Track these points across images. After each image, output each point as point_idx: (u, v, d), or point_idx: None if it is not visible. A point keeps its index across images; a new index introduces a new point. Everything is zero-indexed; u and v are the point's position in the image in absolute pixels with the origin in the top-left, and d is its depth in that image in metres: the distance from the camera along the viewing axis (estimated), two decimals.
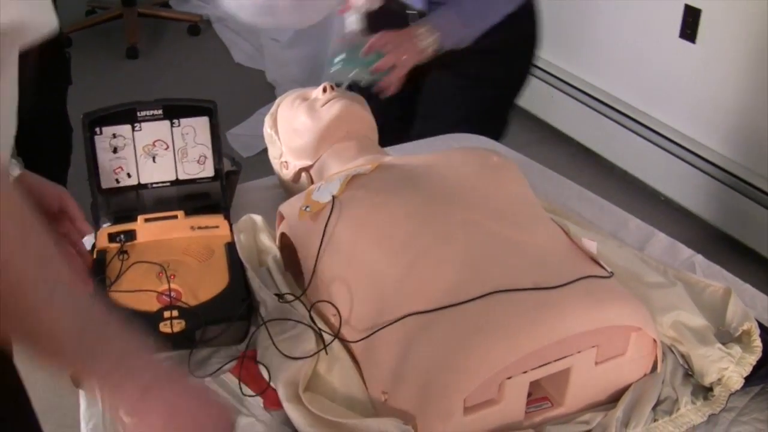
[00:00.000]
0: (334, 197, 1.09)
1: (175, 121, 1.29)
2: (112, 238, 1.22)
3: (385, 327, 0.98)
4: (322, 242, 1.09)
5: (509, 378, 0.93)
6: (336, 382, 1.05)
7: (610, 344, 0.99)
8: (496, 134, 1.78)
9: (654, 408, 1.03)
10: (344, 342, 1.06)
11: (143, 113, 1.28)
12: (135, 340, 0.77)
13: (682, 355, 1.09)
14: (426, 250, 1.01)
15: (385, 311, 1.00)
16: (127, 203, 1.31)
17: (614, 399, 1.03)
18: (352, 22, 1.50)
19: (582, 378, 0.99)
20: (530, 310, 0.93)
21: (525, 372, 0.94)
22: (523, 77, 1.89)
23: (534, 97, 3.38)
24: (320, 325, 1.08)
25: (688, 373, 1.08)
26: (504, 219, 1.06)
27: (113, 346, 0.75)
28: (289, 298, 1.10)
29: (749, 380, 1.05)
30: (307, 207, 1.13)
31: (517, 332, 0.91)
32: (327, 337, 1.06)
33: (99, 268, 1.18)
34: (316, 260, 1.09)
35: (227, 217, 1.28)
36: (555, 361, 0.96)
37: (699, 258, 1.34)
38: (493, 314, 0.93)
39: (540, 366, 0.95)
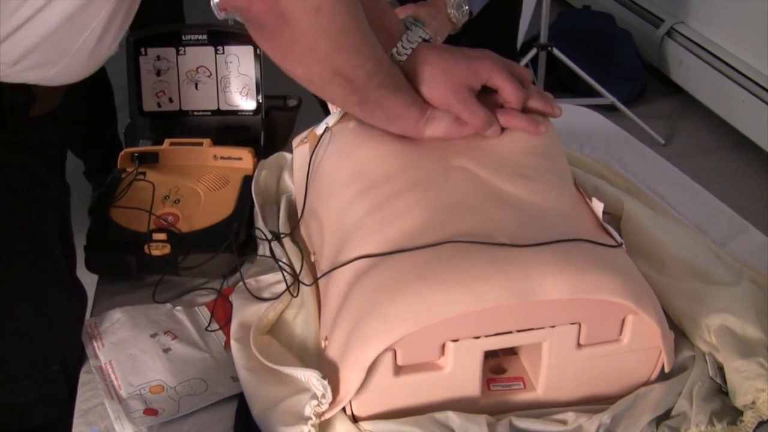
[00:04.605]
0: (327, 128, 0.98)
1: (220, 47, 1.24)
2: (133, 158, 1.18)
3: (337, 268, 0.87)
4: (308, 175, 0.99)
5: (455, 341, 0.79)
6: (298, 328, 0.95)
7: (597, 325, 0.81)
8: None
9: (658, 422, 0.84)
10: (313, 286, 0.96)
11: (188, 37, 1.24)
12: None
13: (720, 368, 0.90)
14: (398, 192, 0.88)
15: (343, 252, 0.88)
16: (167, 129, 1.27)
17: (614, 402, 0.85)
18: None
19: (560, 360, 0.82)
20: (484, 263, 0.78)
21: (477, 338, 0.79)
22: None
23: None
24: (298, 266, 0.98)
25: (723, 390, 0.88)
26: (501, 170, 0.91)
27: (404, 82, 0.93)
28: (260, 235, 1.01)
29: None
30: (305, 138, 1.03)
31: (460, 285, 0.76)
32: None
33: (111, 186, 1.14)
34: (305, 195, 0.99)
35: (257, 152, 1.20)
36: (518, 332, 0.80)
37: None
38: (440, 263, 0.79)
39: (498, 334, 0.80)
